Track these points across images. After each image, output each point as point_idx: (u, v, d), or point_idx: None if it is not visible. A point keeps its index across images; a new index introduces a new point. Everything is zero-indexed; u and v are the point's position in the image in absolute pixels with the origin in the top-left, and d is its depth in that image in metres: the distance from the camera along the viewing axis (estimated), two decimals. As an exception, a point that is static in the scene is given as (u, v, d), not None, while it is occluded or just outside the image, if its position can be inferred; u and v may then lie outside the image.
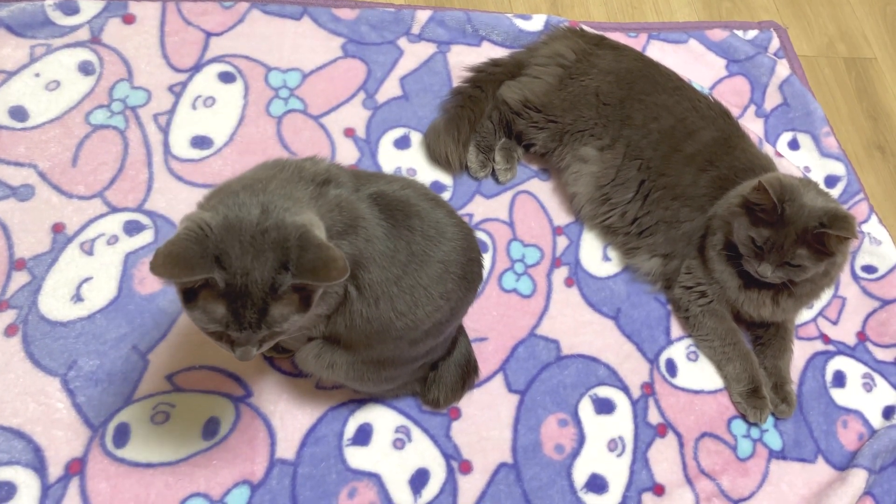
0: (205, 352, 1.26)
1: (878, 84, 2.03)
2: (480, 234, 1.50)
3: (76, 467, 1.14)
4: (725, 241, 1.36)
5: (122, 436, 1.17)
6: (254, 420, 1.23)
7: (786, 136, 1.81)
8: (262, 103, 1.53)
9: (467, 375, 1.28)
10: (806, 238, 1.25)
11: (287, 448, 1.22)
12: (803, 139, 1.80)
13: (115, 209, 1.36)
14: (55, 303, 1.26)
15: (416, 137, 1.58)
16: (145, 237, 1.34)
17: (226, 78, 1.54)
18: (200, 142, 1.45)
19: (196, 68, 1.53)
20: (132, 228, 1.34)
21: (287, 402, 1.26)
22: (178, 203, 1.38)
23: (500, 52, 1.72)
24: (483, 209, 1.54)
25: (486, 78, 1.61)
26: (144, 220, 1.36)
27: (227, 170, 1.43)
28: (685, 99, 1.52)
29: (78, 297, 1.27)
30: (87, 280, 1.28)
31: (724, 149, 1.47)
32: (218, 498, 1.16)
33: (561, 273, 1.50)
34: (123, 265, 1.31)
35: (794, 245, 1.26)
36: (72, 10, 1.54)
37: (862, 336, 1.57)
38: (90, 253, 1.31)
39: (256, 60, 1.58)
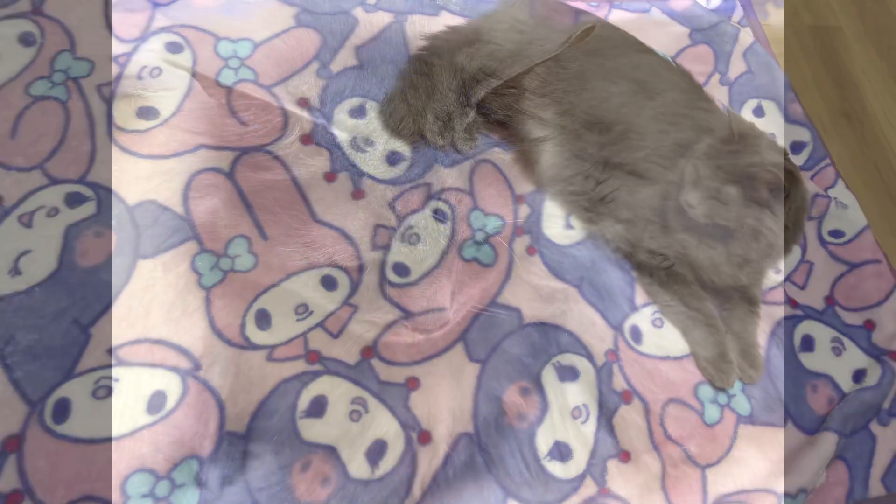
0: (150, 324, 1.21)
1: (844, 53, 2.01)
2: (440, 204, 1.46)
3: (13, 444, 1.09)
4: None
5: (62, 411, 1.12)
6: (202, 394, 1.18)
7: (751, 104, 1.78)
8: (211, 73, 1.48)
9: None
10: (739, 176, 1.22)
11: (237, 422, 1.17)
12: (768, 106, 1.78)
13: (55, 181, 1.30)
14: (-9, 277, 1.20)
15: (372, 107, 1.53)
16: (87, 209, 1.28)
17: (173, 48, 1.48)
18: (146, 112, 1.40)
19: (142, 39, 1.48)
20: (74, 200, 1.29)
21: (237, 376, 1.21)
22: (123, 174, 1.32)
23: (458, 22, 1.67)
24: (442, 179, 1.50)
25: (444, 45, 1.57)
26: (87, 192, 1.30)
27: (173, 141, 1.38)
28: (646, 62, 1.49)
29: (16, 271, 1.21)
30: (25, 253, 1.22)
31: (686, 111, 1.44)
32: (164, 473, 1.11)
33: (523, 241, 1.46)
34: (64, 237, 1.25)
35: (729, 180, 1.23)
36: (12, -19, 1.48)
37: (830, 300, 1.54)
38: (29, 226, 1.25)
39: (205, 30, 1.52)
